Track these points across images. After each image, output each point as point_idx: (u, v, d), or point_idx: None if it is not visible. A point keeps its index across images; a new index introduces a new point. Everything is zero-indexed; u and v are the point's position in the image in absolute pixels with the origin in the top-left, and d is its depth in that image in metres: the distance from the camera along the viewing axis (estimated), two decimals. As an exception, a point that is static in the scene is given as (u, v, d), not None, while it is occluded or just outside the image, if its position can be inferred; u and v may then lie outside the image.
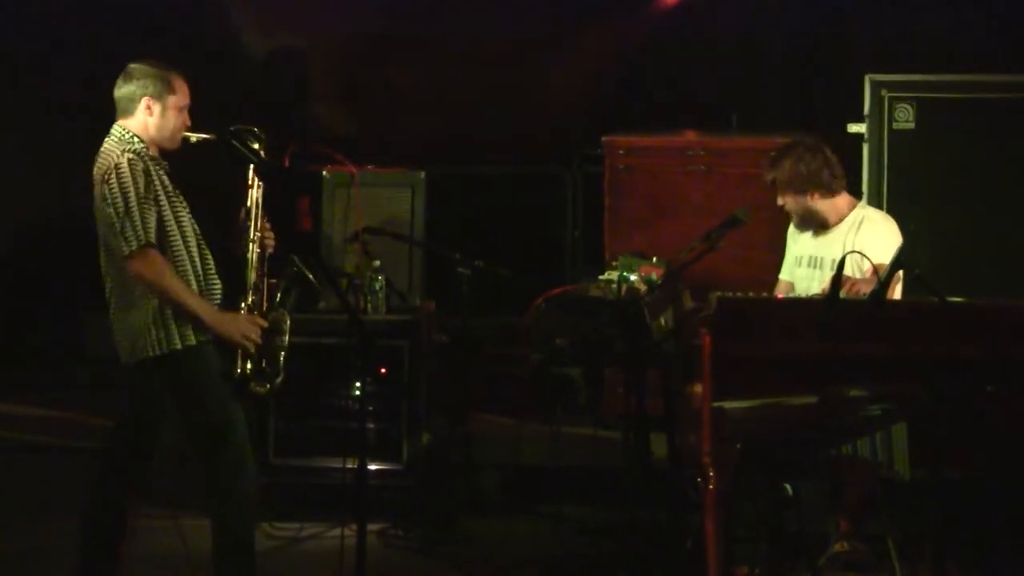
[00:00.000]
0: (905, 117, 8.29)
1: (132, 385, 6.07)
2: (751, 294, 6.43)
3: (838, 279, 5.80)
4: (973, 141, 8.31)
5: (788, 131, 7.21)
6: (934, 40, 9.65)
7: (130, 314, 5.98)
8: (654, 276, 6.32)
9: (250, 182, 6.19)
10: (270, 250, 6.18)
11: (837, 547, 6.31)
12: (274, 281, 6.12)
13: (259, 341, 6.01)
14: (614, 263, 6.42)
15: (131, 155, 5.96)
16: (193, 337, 5.95)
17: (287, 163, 7.22)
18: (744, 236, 6.88)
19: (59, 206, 10.59)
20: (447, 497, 7.75)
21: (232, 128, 6.22)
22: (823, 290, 6.55)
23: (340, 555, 5.91)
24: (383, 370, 7.65)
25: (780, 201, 6.85)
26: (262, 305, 6.11)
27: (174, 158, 6.18)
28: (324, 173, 8.05)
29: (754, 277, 7.60)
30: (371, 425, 7.61)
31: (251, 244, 6.12)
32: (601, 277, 6.41)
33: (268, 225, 6.21)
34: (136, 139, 6.05)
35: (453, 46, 10.29)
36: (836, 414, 5.68)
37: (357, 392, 7.42)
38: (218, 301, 6.07)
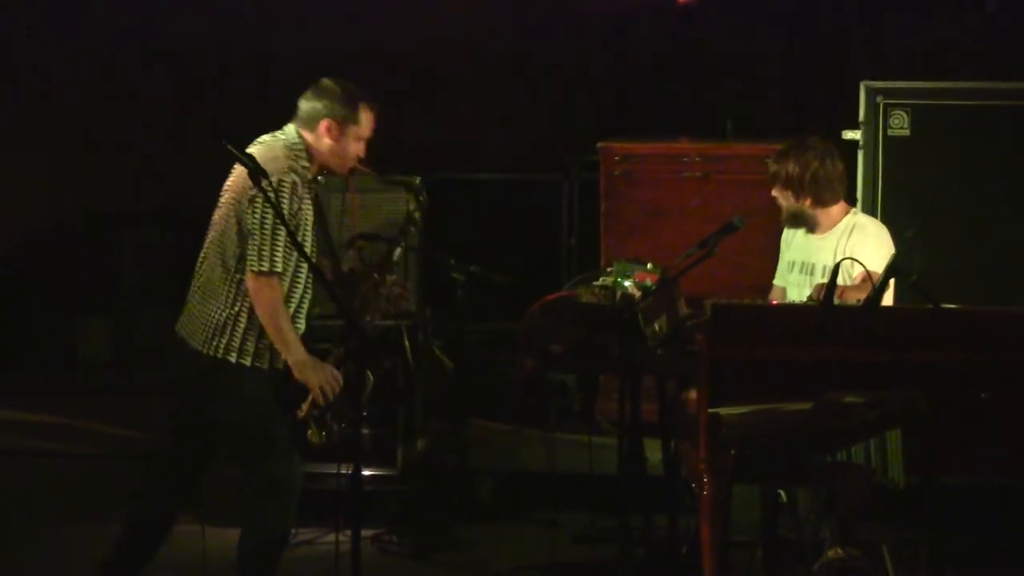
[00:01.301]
0: (900, 124, 8.29)
1: (185, 369, 5.99)
2: (746, 300, 6.41)
3: (832, 286, 5.80)
4: (968, 148, 8.31)
5: (783, 138, 7.21)
6: (930, 47, 9.66)
7: (207, 307, 5.90)
8: (649, 282, 6.31)
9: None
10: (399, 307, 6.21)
11: (832, 553, 6.29)
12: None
13: (331, 398, 5.91)
14: (609, 269, 6.41)
15: (295, 176, 5.85)
16: (249, 360, 5.87)
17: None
18: (739, 242, 6.87)
19: (52, 211, 10.61)
20: (442, 503, 7.74)
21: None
22: (815, 296, 6.56)
23: (335, 561, 5.89)
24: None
25: (775, 193, 6.88)
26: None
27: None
28: (319, 178, 8.03)
29: (749, 283, 7.61)
30: (366, 430, 7.59)
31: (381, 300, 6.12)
32: (596, 283, 6.40)
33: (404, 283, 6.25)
34: (304, 155, 5.97)
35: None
36: (831, 420, 5.67)
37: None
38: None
